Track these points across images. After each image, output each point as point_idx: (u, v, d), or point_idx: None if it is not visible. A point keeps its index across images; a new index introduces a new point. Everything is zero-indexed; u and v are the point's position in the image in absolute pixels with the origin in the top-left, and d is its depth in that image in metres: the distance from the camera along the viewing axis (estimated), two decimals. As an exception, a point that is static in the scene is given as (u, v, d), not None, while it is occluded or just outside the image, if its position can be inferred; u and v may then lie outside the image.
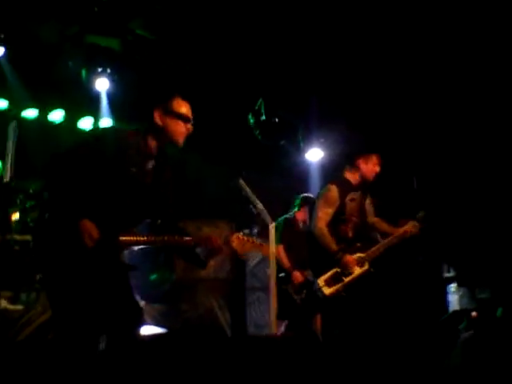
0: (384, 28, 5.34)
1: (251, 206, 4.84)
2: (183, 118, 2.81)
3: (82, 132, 6.48)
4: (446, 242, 6.30)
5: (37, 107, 6.31)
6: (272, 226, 4.78)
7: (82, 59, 6.02)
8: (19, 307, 4.19)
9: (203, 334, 3.61)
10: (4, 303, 4.08)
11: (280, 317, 5.23)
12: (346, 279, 4.12)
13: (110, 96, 6.33)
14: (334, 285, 4.10)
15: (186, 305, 5.03)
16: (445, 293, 6.02)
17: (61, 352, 2.60)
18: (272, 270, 4.55)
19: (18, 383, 3.09)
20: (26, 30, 5.55)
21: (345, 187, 4.28)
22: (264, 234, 5.44)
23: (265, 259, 5.38)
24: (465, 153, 6.28)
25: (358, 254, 4.20)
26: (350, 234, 4.27)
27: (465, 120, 6.11)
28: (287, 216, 5.81)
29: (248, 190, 4.64)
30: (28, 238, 4.57)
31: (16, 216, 4.89)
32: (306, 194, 5.92)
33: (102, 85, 6.13)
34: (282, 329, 5.26)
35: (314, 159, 7.31)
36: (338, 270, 4.12)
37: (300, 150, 7.21)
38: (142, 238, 2.76)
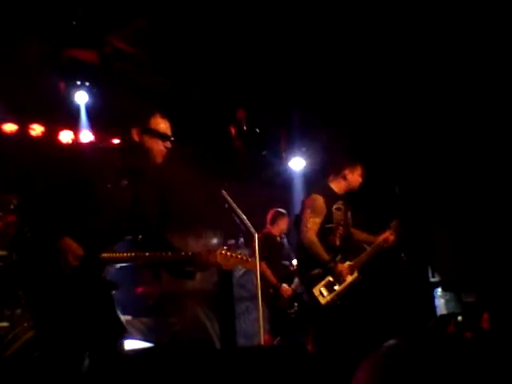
0: (365, 38, 5.41)
1: (235, 217, 4.85)
2: (161, 137, 2.80)
3: (61, 147, 6.40)
4: (431, 248, 6.37)
5: (16, 121, 6.24)
6: (256, 236, 4.78)
7: (61, 72, 5.98)
8: (4, 324, 4.10)
9: (192, 347, 3.57)
10: (-12, 321, 4.00)
11: (273, 333, 5.24)
12: (340, 287, 4.18)
13: (89, 109, 6.27)
14: (329, 294, 4.15)
15: (173, 318, 4.98)
16: (432, 297, 6.08)
17: (46, 369, 2.56)
18: (257, 280, 4.55)
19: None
20: (2, 45, 5.49)
21: (330, 196, 4.33)
22: (250, 244, 5.45)
23: (250, 271, 5.37)
24: (448, 158, 6.37)
25: (348, 263, 4.27)
26: (338, 243, 4.32)
27: (448, 126, 6.20)
28: (262, 232, 5.84)
29: (230, 200, 4.64)
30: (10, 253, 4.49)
31: (-3, 232, 4.79)
32: (277, 209, 5.98)
33: (81, 98, 6.08)
34: (275, 344, 5.25)
35: (296, 168, 7.34)
36: (331, 278, 4.17)
37: (282, 160, 7.24)
38: (124, 255, 2.73)
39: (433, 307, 6.01)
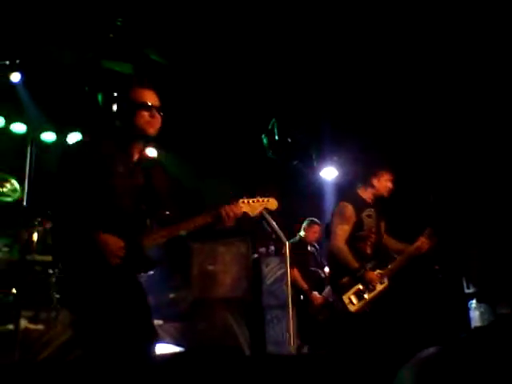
0: (397, 47, 5.39)
1: (266, 225, 4.87)
2: (144, 107, 2.71)
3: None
4: (465, 258, 6.24)
5: (55, 130, 6.44)
6: (287, 245, 4.80)
7: (98, 83, 6.13)
8: (40, 326, 4.21)
9: (221, 353, 3.58)
10: (25, 323, 4.10)
11: (303, 340, 5.23)
12: (369, 296, 4.12)
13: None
14: (359, 302, 4.11)
15: (204, 323, 5.02)
16: (467, 309, 5.93)
17: (86, 371, 2.58)
18: (288, 287, 4.55)
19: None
20: (42, 56, 5.67)
21: (359, 204, 4.27)
22: (280, 252, 5.47)
23: (282, 277, 5.38)
24: (483, 167, 6.25)
25: (378, 271, 4.19)
26: (369, 251, 4.25)
27: (483, 134, 6.10)
28: (295, 239, 5.87)
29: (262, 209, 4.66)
30: (48, 258, 4.64)
31: (35, 237, 4.95)
32: (311, 218, 6.01)
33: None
34: (305, 351, 5.23)
35: (328, 178, 7.32)
36: (361, 286, 4.12)
37: (314, 169, 7.23)
38: (162, 234, 2.73)
39: (467, 319, 5.87)
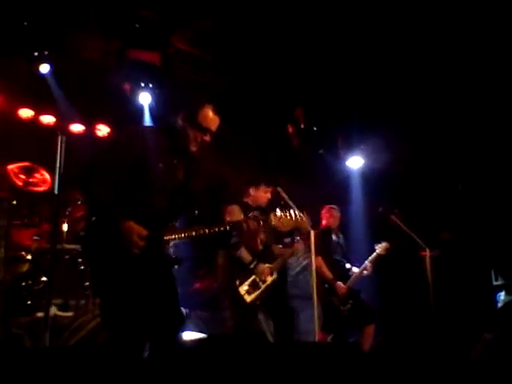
0: (427, 37, 5.30)
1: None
2: (200, 129, 2.86)
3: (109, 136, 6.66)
4: (495, 250, 6.14)
5: (82, 122, 6.53)
6: (312, 233, 4.80)
7: (126, 74, 6.18)
8: (69, 314, 4.33)
9: (245, 339, 3.62)
10: (54, 310, 4.22)
11: (326, 330, 5.25)
12: (263, 286, 4.58)
13: (152, 109, 6.47)
14: (254, 292, 4.53)
15: (228, 312, 5.07)
16: (494, 302, 5.86)
17: (109, 357, 2.65)
18: (313, 276, 4.57)
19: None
20: (69, 47, 5.74)
21: (244, 207, 4.69)
22: (305, 241, 5.46)
23: (306, 268, 5.39)
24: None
25: (268, 265, 4.67)
26: (260, 247, 4.72)
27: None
28: (320, 227, 5.83)
29: (286, 197, 4.68)
30: (77, 247, 4.75)
31: (65, 227, 5.06)
32: (330, 206, 5.95)
33: (145, 99, 6.28)
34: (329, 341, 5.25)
35: (354, 167, 7.26)
36: (256, 278, 4.54)
37: (339, 159, 7.19)
38: (182, 234, 2.81)
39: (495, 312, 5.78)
